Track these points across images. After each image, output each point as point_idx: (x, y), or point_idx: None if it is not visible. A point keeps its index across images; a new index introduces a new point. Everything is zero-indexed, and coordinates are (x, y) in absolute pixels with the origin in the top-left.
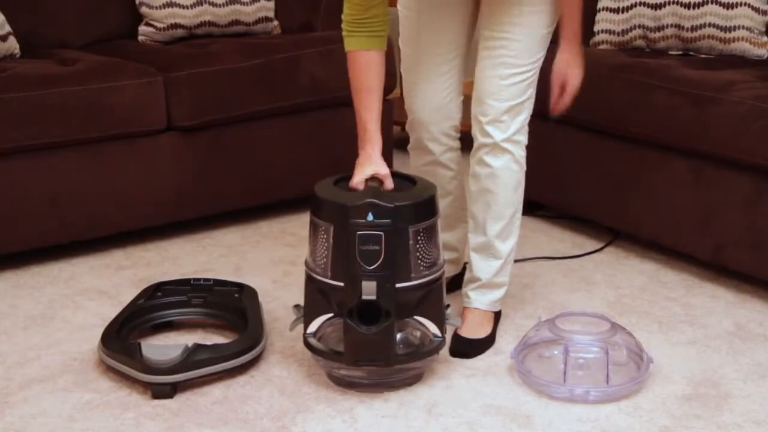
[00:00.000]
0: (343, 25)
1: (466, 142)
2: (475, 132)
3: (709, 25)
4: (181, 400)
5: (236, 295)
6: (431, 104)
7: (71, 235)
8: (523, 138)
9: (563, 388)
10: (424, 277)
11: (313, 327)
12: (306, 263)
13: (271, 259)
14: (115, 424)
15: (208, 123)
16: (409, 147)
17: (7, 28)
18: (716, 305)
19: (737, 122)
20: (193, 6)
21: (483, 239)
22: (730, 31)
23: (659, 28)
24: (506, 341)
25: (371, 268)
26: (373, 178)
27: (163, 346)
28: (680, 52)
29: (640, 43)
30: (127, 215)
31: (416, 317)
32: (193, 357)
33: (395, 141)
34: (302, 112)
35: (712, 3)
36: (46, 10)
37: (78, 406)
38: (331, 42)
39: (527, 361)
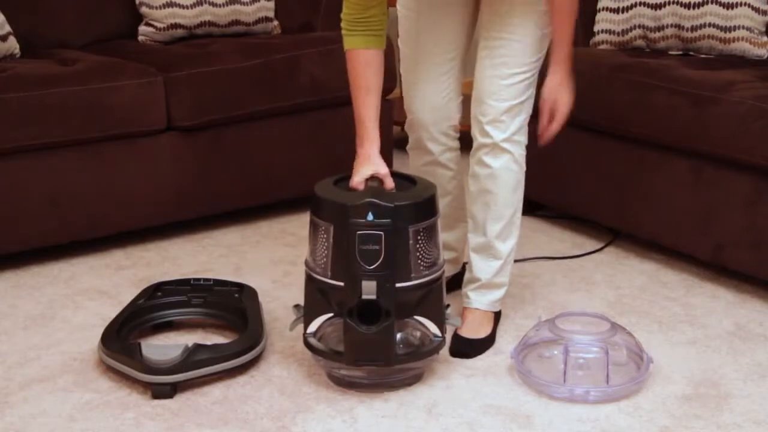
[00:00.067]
0: (342, 24)
1: (465, 142)
2: (475, 132)
3: (709, 25)
4: (181, 400)
5: (236, 295)
6: (430, 104)
7: (71, 235)
8: (523, 138)
9: (563, 388)
10: (424, 276)
11: (313, 327)
12: (306, 263)
13: (271, 259)
14: (115, 424)
15: (208, 123)
16: (408, 147)
17: (7, 28)
18: (716, 305)
19: (737, 122)
20: (193, 6)
21: (483, 239)
22: (730, 31)
23: (659, 28)
24: (506, 341)
25: (371, 267)
26: (373, 178)
27: (163, 346)
28: (680, 52)
29: (640, 43)
30: (127, 215)
31: (416, 317)
32: (193, 357)
33: (395, 141)
34: (302, 112)
35: (712, 3)
36: (46, 10)
37: (78, 406)
38: (331, 42)
39: (527, 361)
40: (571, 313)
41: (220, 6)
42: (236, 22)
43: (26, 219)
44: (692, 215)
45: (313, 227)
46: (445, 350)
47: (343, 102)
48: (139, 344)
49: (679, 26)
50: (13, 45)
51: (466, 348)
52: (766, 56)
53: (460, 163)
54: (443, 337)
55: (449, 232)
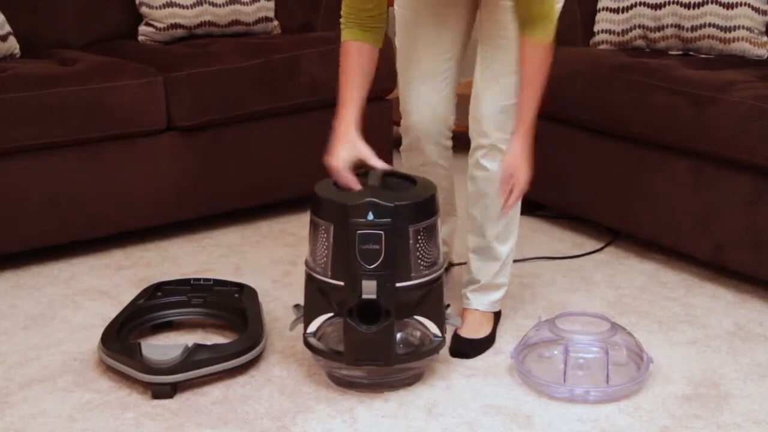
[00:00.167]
0: (341, 20)
1: (461, 141)
2: (472, 133)
3: (709, 25)
4: (181, 400)
5: (236, 295)
6: (427, 105)
7: (71, 235)
8: None
9: (563, 388)
10: (424, 276)
11: (313, 327)
12: (306, 263)
13: (271, 259)
14: (115, 424)
15: (208, 123)
16: (402, 148)
17: (7, 28)
18: (716, 305)
19: (737, 122)
20: (193, 6)
21: (482, 241)
22: (730, 31)
23: (659, 28)
24: (506, 341)
25: (371, 267)
26: (361, 167)
27: (163, 346)
28: (680, 52)
29: (640, 43)
30: (127, 215)
31: (416, 317)
32: (193, 357)
33: (395, 141)
34: (302, 112)
35: (712, 3)
36: (46, 10)
37: (78, 406)
38: (331, 42)
39: (527, 361)
40: (571, 313)
41: (220, 6)
42: (236, 22)
43: (26, 219)
44: (692, 215)
45: (313, 227)
46: (445, 350)
47: None
48: (139, 344)
49: (679, 26)
50: (13, 45)
51: (466, 348)
52: (766, 56)
53: (453, 159)
54: (443, 337)
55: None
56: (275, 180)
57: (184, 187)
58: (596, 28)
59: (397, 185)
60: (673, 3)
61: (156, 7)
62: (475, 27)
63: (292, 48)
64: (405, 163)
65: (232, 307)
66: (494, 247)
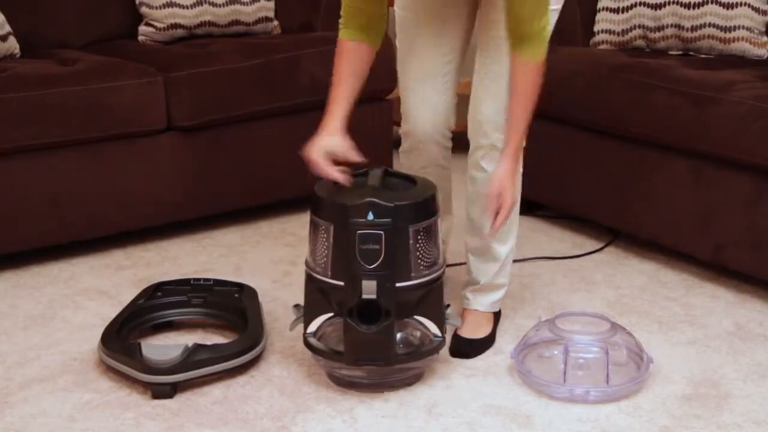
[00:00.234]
0: (340, 20)
1: (460, 142)
2: (472, 133)
3: (709, 25)
4: (181, 400)
5: (236, 295)
6: (427, 106)
7: (71, 235)
8: None
9: (563, 388)
10: (424, 276)
11: (313, 327)
12: (306, 263)
13: (271, 259)
14: (115, 424)
15: (208, 123)
16: (401, 150)
17: (7, 28)
18: (716, 305)
19: (737, 122)
20: (193, 6)
21: (481, 242)
22: (730, 31)
23: (659, 28)
24: (506, 341)
25: (371, 267)
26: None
27: (163, 346)
28: (680, 52)
29: (640, 43)
30: (127, 215)
31: (416, 317)
32: (193, 357)
33: (395, 141)
34: (302, 112)
35: (712, 3)
36: (46, 10)
37: (78, 406)
38: (331, 42)
39: (527, 361)
40: (571, 313)
41: (220, 6)
42: (236, 22)
43: (26, 219)
44: (692, 215)
45: (313, 227)
46: (445, 350)
47: None
48: (139, 344)
49: (679, 26)
50: (13, 45)
51: (466, 348)
52: (766, 56)
53: (453, 160)
54: (443, 337)
55: None
56: (275, 180)
57: (184, 187)
58: (596, 28)
59: (397, 185)
60: (673, 3)
61: (156, 7)
62: (475, 29)
63: (292, 48)
64: (405, 164)
65: (232, 307)
66: (494, 247)
